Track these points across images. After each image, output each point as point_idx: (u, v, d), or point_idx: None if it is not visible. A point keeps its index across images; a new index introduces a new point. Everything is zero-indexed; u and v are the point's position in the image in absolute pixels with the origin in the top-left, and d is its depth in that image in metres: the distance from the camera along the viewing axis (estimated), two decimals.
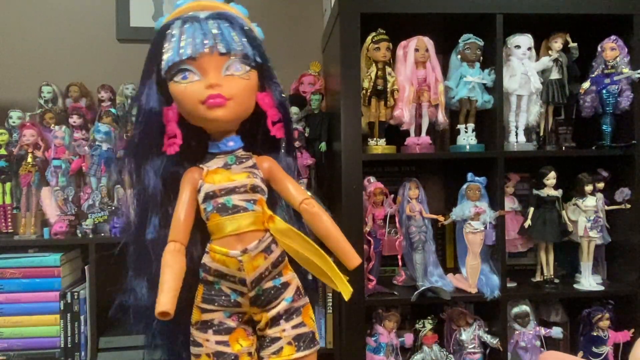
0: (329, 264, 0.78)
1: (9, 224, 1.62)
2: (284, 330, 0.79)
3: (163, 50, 0.73)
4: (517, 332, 1.57)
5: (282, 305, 0.79)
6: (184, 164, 0.80)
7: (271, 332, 0.79)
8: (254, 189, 0.77)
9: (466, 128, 1.57)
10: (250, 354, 0.79)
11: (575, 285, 1.61)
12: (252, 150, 0.83)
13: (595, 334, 1.56)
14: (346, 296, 0.78)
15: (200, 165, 0.79)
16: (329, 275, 0.78)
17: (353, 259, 0.78)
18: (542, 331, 1.57)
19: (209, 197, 0.76)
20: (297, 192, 0.80)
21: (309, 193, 0.82)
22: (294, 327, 0.79)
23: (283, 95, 0.82)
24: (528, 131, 1.65)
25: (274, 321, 0.79)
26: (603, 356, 1.56)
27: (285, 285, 0.80)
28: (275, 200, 0.84)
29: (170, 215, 0.78)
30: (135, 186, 0.80)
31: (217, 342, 0.77)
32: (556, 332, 1.58)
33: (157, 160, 0.77)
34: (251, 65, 0.77)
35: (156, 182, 0.77)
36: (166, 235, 0.76)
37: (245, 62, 0.75)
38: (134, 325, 0.80)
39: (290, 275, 0.81)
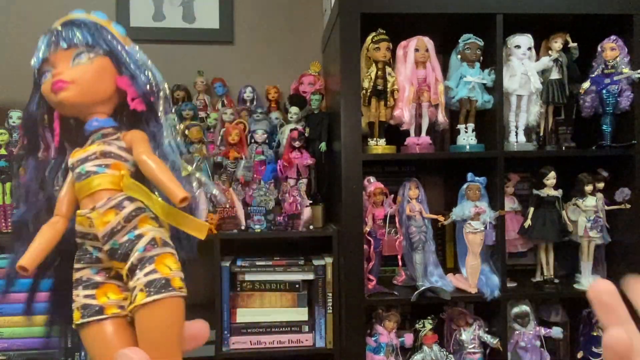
0: (153, 200, 0.82)
1: (9, 224, 1.62)
2: (138, 279, 0.84)
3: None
4: (517, 332, 1.57)
5: (135, 256, 0.85)
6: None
7: (131, 283, 0.85)
8: (104, 154, 0.82)
9: (466, 128, 1.57)
10: (121, 307, 0.84)
11: (575, 285, 1.61)
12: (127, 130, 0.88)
13: (595, 334, 1.57)
14: (200, 234, 0.83)
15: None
16: (178, 219, 0.84)
17: (176, 193, 0.84)
18: (542, 331, 1.57)
19: (71, 169, 0.83)
20: (139, 147, 0.84)
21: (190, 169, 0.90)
22: (146, 274, 0.84)
23: (143, 76, 0.86)
24: (528, 131, 1.65)
25: (132, 272, 0.85)
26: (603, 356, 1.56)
27: (139, 236, 0.85)
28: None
29: (45, 201, 0.85)
30: (23, 176, 0.86)
31: (85, 296, 0.85)
32: (556, 332, 1.58)
33: (39, 155, 0.85)
34: (97, 53, 0.82)
35: (37, 174, 0.85)
36: (34, 218, 0.83)
37: (91, 51, 0.82)
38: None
39: (146, 228, 0.86)
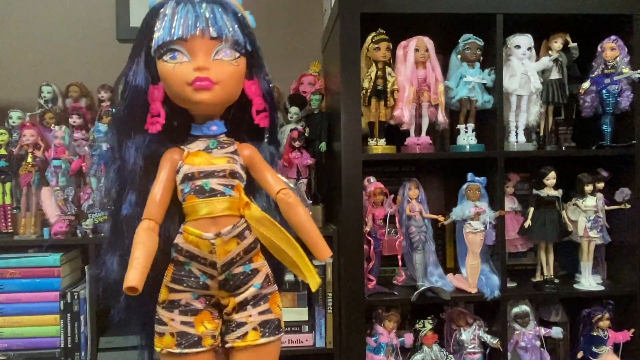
0: (300, 253, 0.79)
1: (9, 224, 1.62)
2: (250, 315, 0.81)
3: (155, 29, 0.75)
4: (517, 332, 1.57)
5: (250, 291, 0.81)
6: (167, 144, 0.80)
7: (237, 316, 0.81)
8: (232, 174, 0.78)
9: (466, 128, 1.57)
10: (214, 336, 0.81)
11: (575, 285, 1.61)
12: (236, 137, 0.83)
13: (595, 334, 1.56)
14: (313, 287, 0.80)
15: (182, 147, 0.80)
16: (299, 265, 0.79)
17: (324, 252, 0.80)
18: (542, 331, 1.57)
19: (187, 178, 0.77)
20: (274, 182, 0.81)
21: (290, 184, 0.84)
22: (261, 313, 0.81)
23: (271, 84, 0.84)
24: (528, 131, 1.65)
25: (241, 306, 0.81)
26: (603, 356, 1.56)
27: (255, 271, 0.82)
28: (254, 187, 0.85)
29: (148, 192, 0.78)
30: (116, 161, 0.80)
31: (182, 323, 0.79)
32: (556, 332, 1.58)
33: (139, 137, 0.78)
34: (241, 52, 0.77)
35: (136, 159, 0.78)
36: (142, 213, 0.77)
37: (235, 49, 0.76)
38: (103, 298, 0.82)
39: (260, 263, 0.82)
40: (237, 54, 0.76)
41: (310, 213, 1.61)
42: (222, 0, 0.76)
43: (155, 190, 0.77)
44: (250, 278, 0.81)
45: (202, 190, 0.76)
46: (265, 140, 0.86)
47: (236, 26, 0.76)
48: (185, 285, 0.78)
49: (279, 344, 0.83)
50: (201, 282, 0.79)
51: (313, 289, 0.80)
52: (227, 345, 0.81)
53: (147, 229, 0.75)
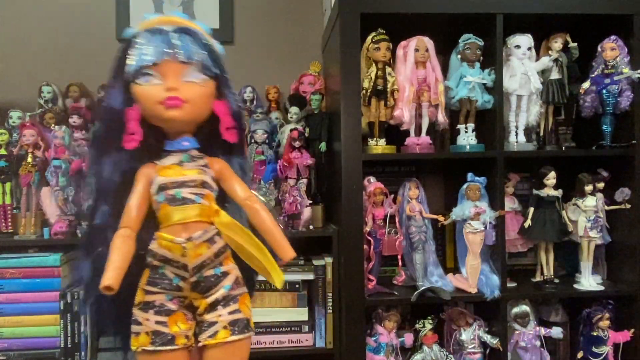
0: (265, 254, 0.85)
1: (9, 224, 1.62)
2: (220, 315, 0.86)
3: (129, 56, 0.83)
4: (517, 332, 1.57)
5: (220, 292, 0.86)
6: (143, 160, 0.87)
7: (209, 316, 0.86)
8: (203, 184, 0.85)
9: (466, 128, 1.57)
10: (187, 337, 0.87)
11: (575, 285, 1.61)
12: (208, 153, 0.90)
13: (595, 334, 1.57)
14: (278, 284, 0.86)
15: (155, 162, 0.87)
16: (264, 264, 0.85)
17: (288, 252, 0.85)
18: (542, 331, 1.57)
19: (161, 188, 0.83)
20: (240, 190, 0.88)
21: (254, 193, 0.91)
22: (230, 312, 0.87)
23: (239, 105, 0.91)
24: (528, 131, 1.65)
25: (212, 307, 0.86)
26: (603, 356, 1.56)
27: (225, 274, 0.87)
28: (227, 199, 0.91)
29: (122, 205, 0.85)
30: (93, 175, 0.87)
31: (157, 322, 0.84)
32: (556, 332, 1.58)
33: (116, 154, 0.85)
34: (209, 75, 0.84)
35: (112, 174, 0.85)
36: (115, 223, 0.84)
37: (203, 72, 0.83)
38: (83, 301, 0.90)
39: (230, 266, 0.89)
40: (205, 77, 0.83)
41: (311, 214, 1.63)
42: (190, 30, 0.84)
43: (132, 200, 0.84)
44: (221, 280, 0.86)
45: (174, 199, 0.82)
46: (235, 155, 0.92)
47: (203, 52, 0.83)
48: (159, 287, 0.84)
49: (248, 342, 0.88)
50: (174, 284, 0.84)
51: (278, 286, 0.86)
52: (200, 344, 0.86)
53: (123, 236, 0.81)
